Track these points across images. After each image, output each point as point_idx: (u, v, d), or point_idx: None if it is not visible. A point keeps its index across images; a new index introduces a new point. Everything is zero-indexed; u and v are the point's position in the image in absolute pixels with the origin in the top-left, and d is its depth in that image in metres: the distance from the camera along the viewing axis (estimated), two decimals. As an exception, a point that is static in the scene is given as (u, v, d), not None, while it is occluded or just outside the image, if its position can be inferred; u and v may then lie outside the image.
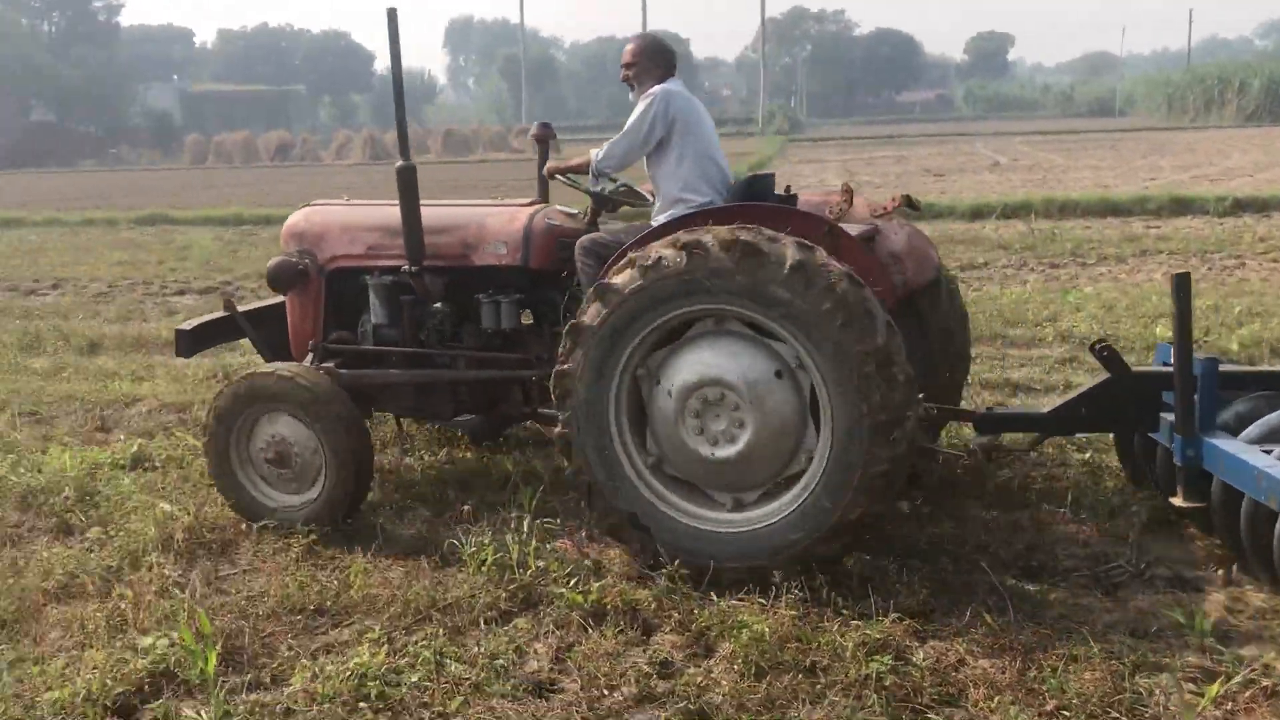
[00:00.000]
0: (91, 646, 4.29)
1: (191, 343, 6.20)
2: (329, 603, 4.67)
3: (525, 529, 5.07)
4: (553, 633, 4.36)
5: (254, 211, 22.65)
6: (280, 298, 6.23)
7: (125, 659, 4.14)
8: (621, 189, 5.69)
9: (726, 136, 65.35)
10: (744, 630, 4.15)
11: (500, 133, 60.57)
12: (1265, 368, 5.66)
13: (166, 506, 5.50)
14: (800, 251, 4.37)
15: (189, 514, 5.46)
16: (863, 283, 4.38)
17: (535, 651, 4.24)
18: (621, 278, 4.60)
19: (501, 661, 4.13)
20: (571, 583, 4.64)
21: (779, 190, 5.47)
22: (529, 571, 4.73)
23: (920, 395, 4.57)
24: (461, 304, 5.83)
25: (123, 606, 4.61)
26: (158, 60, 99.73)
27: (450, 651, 4.20)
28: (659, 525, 4.71)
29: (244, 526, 5.50)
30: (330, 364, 5.85)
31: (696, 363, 4.63)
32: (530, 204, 5.90)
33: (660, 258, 4.50)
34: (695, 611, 4.42)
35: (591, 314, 4.65)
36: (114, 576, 4.99)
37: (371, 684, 3.94)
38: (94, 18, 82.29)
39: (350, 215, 6.09)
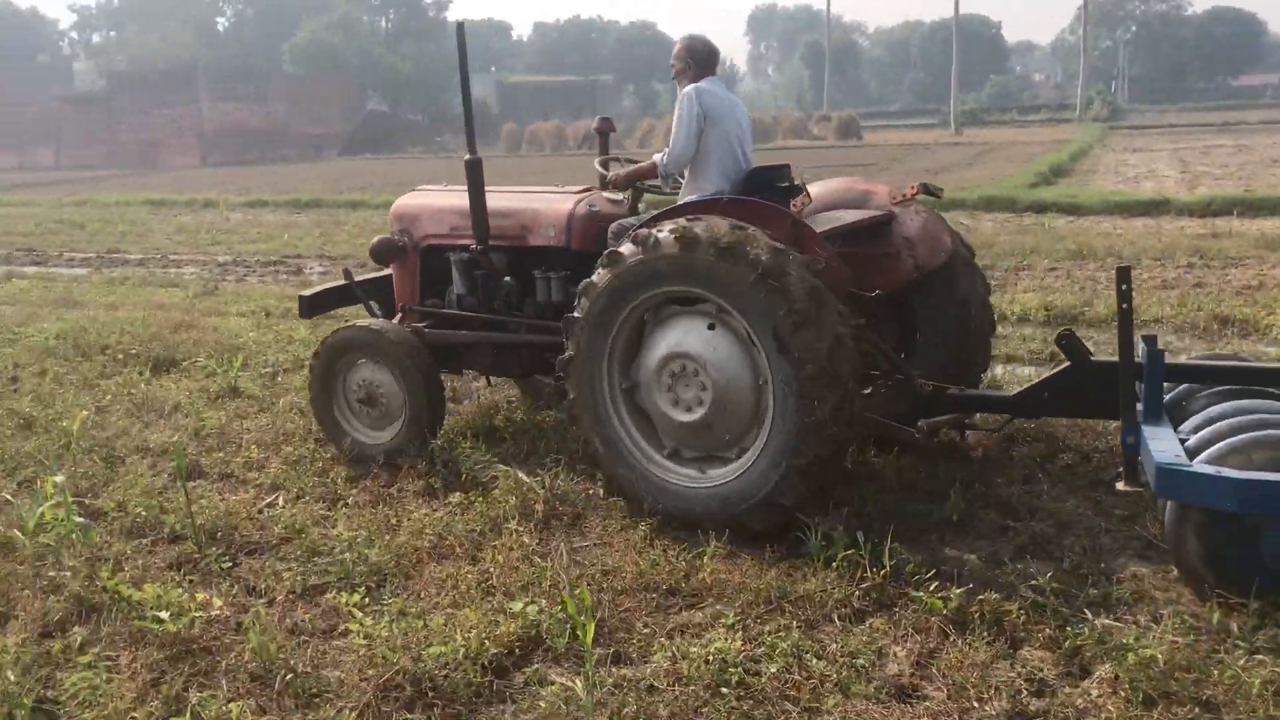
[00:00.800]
0: (466, 606, 4.54)
1: (310, 308, 7.33)
2: (680, 584, 4.74)
3: (873, 528, 4.95)
4: (911, 636, 4.22)
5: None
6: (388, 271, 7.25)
7: (497, 621, 4.36)
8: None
9: (1039, 125, 61.41)
10: (1129, 653, 3.85)
11: (800, 120, 60.34)
12: (1222, 362, 5.43)
13: (524, 477, 5.75)
14: (731, 234, 5.04)
15: (544, 486, 5.68)
16: (789, 256, 4.99)
17: (895, 655, 4.12)
18: (625, 248, 5.36)
19: (862, 661, 4.03)
20: (931, 586, 4.48)
21: (797, 182, 6.03)
22: (882, 571, 4.60)
23: (913, 369, 5.64)
24: (522, 279, 6.64)
25: (491, 570, 4.87)
26: (478, 52, 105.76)
27: (807, 645, 4.15)
28: (649, 485, 5.45)
29: (593, 502, 5.69)
30: (417, 324, 6.85)
31: (666, 340, 5.39)
32: (581, 191, 6.65)
33: (629, 245, 5.34)
34: (1068, 628, 4.16)
35: (599, 275, 5.44)
36: (480, 540, 5.28)
37: (732, 670, 3.96)
38: (424, 13, 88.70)
39: (440, 200, 7.05)
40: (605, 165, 6.64)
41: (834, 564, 4.70)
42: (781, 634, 4.23)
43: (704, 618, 4.47)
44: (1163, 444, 4.49)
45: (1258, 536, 4.18)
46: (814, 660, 4.05)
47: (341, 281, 7.21)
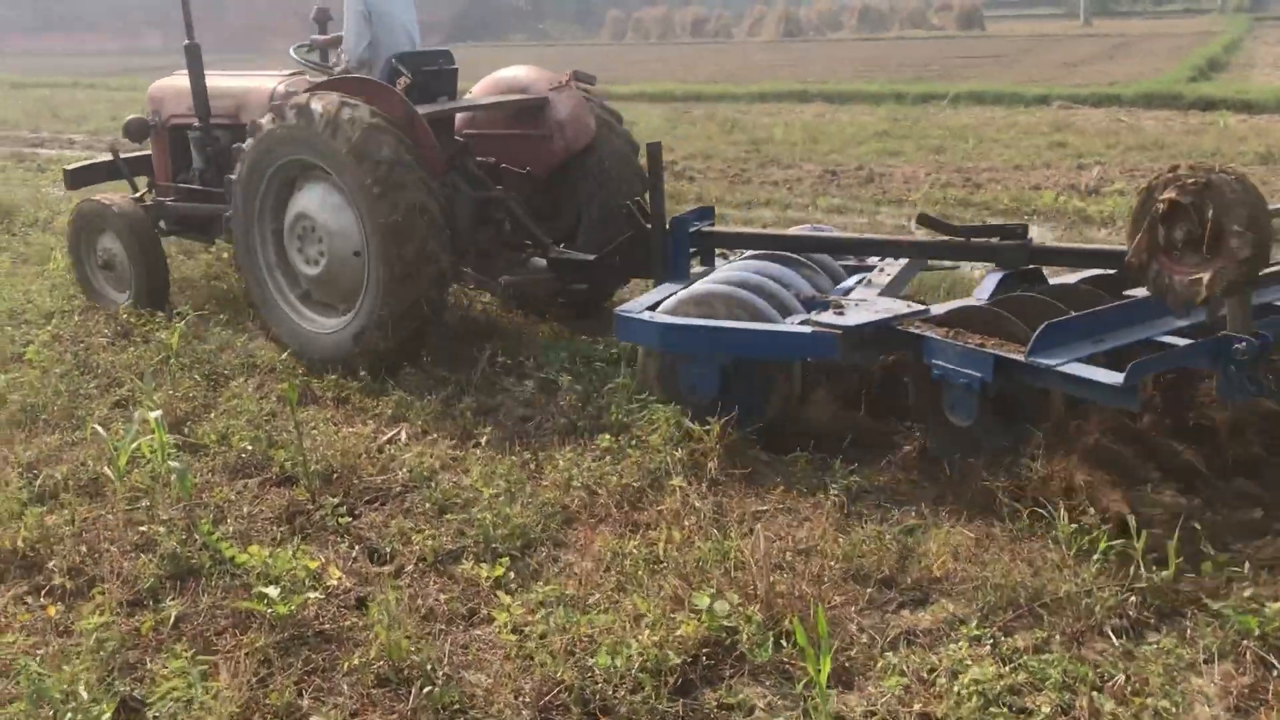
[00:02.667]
0: (633, 592, 3.70)
1: (74, 180, 8.05)
2: (895, 573, 3.82)
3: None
4: (1216, 662, 3.25)
5: (684, 88, 22.30)
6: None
7: (675, 618, 3.50)
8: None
9: (1175, 16, 57.25)
10: None
11: (918, 9, 57.11)
12: (757, 230, 6.90)
13: (687, 423, 4.83)
14: (337, 109, 5.74)
15: (711, 437, 4.75)
16: (380, 131, 5.68)
17: (1201, 691, 3.15)
18: (264, 119, 6.18)
19: (1163, 703, 3.08)
20: (1241, 594, 3.48)
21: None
22: (1164, 571, 3.61)
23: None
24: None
25: (659, 542, 4.00)
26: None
27: (1082, 673, 3.20)
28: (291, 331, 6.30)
29: (761, 457, 4.78)
30: (163, 197, 7.57)
31: (298, 202, 6.14)
32: (291, 74, 7.13)
33: (268, 116, 6.15)
34: None
35: (248, 143, 6.27)
36: (637, 498, 4.42)
37: (996, 712, 3.04)
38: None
39: (181, 82, 7.41)
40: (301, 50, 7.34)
41: (1095, 558, 3.72)
42: (1044, 654, 3.30)
43: (935, 623, 3.55)
44: (645, 297, 5.54)
45: (675, 371, 5.17)
46: (1096, 696, 3.11)
47: (109, 157, 7.86)
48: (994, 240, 5.43)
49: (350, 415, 5.57)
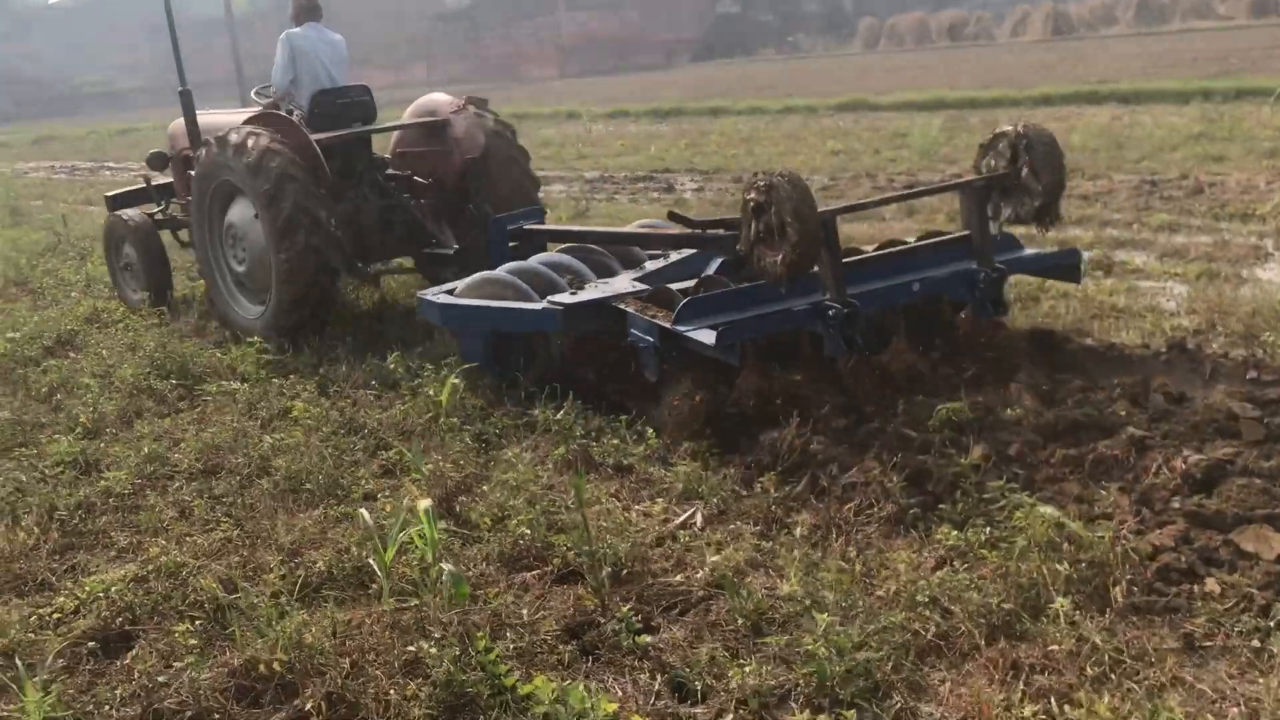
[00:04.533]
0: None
1: (113, 204, 9.43)
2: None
3: None
4: None
5: (957, 94, 20.82)
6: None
7: None
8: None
9: None
10: None
11: (1203, -2, 52.43)
12: (560, 227, 8.30)
13: (1072, 525, 3.78)
14: (241, 137, 7.22)
15: (1089, 530, 3.69)
16: (279, 152, 7.08)
17: None
18: (203, 151, 7.73)
19: None
20: None
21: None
22: None
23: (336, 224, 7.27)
24: None
25: (1054, 704, 2.99)
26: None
27: None
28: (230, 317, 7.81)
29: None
30: (159, 213, 9.27)
31: (230, 214, 7.68)
32: (260, 111, 8.11)
33: (205, 148, 7.66)
34: None
35: (195, 170, 7.86)
36: (1011, 621, 3.41)
37: None
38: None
39: (180, 123, 8.71)
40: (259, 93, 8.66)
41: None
42: None
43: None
44: (450, 284, 6.57)
45: (470, 342, 6.25)
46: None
47: (142, 185, 9.52)
48: (721, 232, 5.90)
49: (634, 488, 4.83)
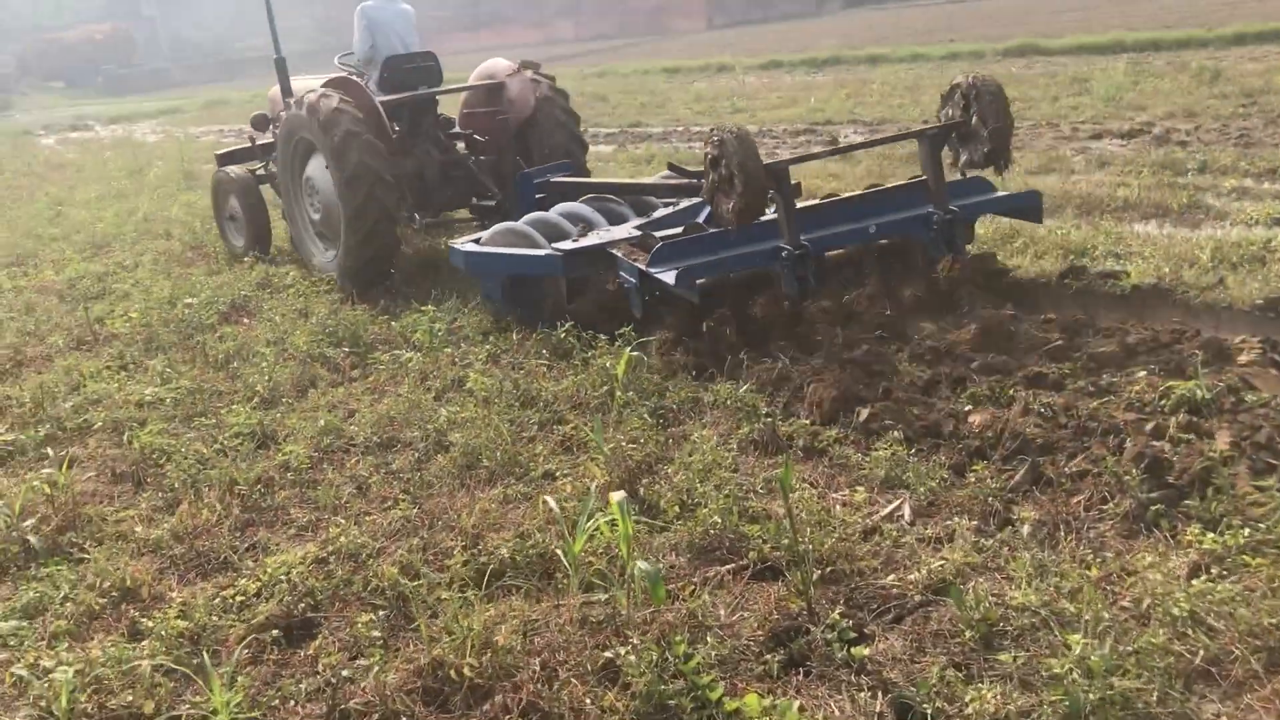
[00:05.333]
0: None
1: (222, 160, 10.35)
2: None
3: None
4: None
5: (1136, 36, 19.44)
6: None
7: None
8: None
9: None
10: None
11: None
12: (581, 180, 8.07)
13: None
14: (315, 99, 7.92)
15: None
16: (347, 111, 7.78)
17: None
18: (286, 111, 8.79)
19: None
20: None
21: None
22: None
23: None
24: None
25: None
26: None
27: None
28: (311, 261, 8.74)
29: None
30: (261, 170, 9.97)
31: (307, 168, 8.52)
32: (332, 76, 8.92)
33: (289, 109, 8.62)
34: None
35: (280, 129, 8.88)
36: (1299, 659, 2.96)
37: None
38: None
39: (278, 89, 9.65)
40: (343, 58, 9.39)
41: None
42: None
43: None
44: (479, 234, 7.38)
45: (490, 284, 6.93)
46: None
47: (248, 145, 10.19)
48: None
49: (831, 474, 4.47)
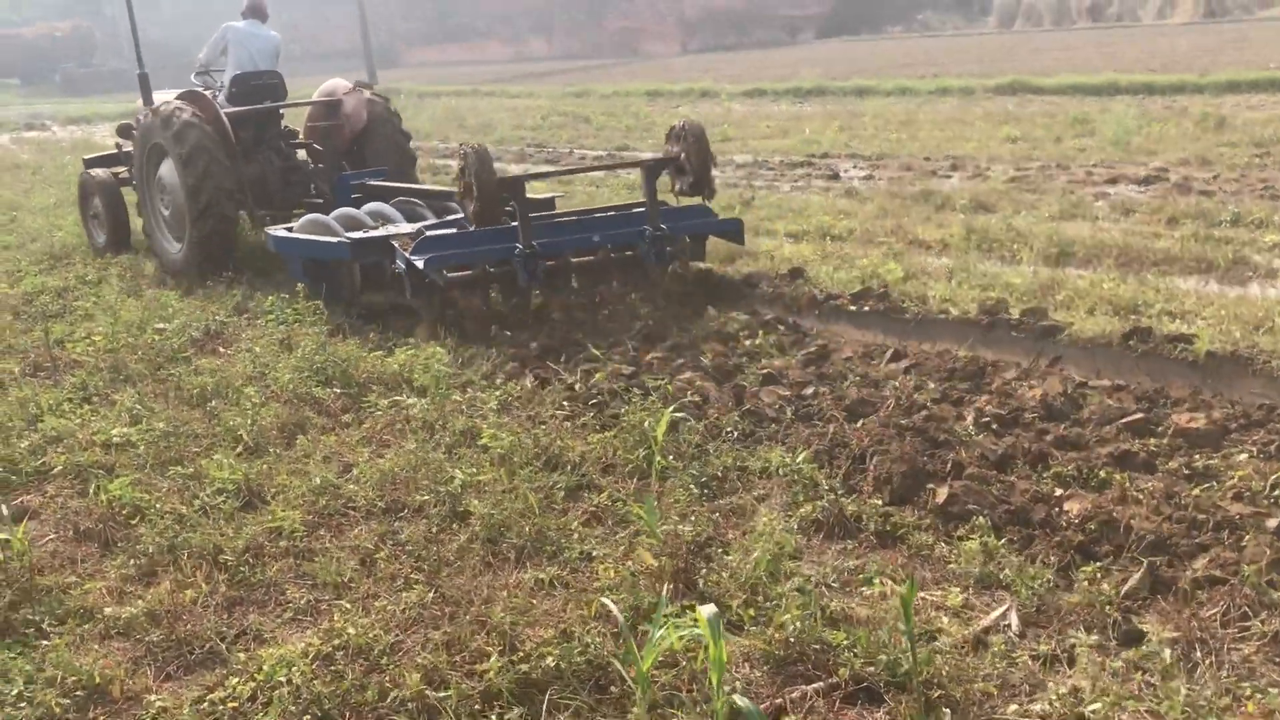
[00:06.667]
0: None
1: (89, 164, 11.42)
2: None
3: None
4: None
5: (1130, 78, 19.26)
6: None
7: None
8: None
9: None
10: None
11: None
12: (386, 184, 9.43)
13: None
14: (171, 109, 9.12)
15: None
16: (187, 122, 8.95)
17: None
18: (139, 118, 9.94)
19: None
20: None
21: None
22: None
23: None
24: None
25: None
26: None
27: None
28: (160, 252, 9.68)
29: None
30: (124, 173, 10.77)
31: (159, 170, 9.52)
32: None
33: (142, 116, 9.81)
34: None
35: (136, 134, 9.94)
36: None
37: None
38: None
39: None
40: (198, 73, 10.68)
41: None
42: None
43: None
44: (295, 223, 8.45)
45: (293, 265, 8.11)
46: None
47: (114, 150, 11.33)
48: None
49: (913, 566, 3.93)
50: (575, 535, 4.26)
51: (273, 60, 10.31)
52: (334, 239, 7.74)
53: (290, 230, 8.18)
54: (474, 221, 7.14)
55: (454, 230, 7.47)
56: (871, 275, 7.51)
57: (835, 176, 12.74)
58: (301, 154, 10.51)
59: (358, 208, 8.59)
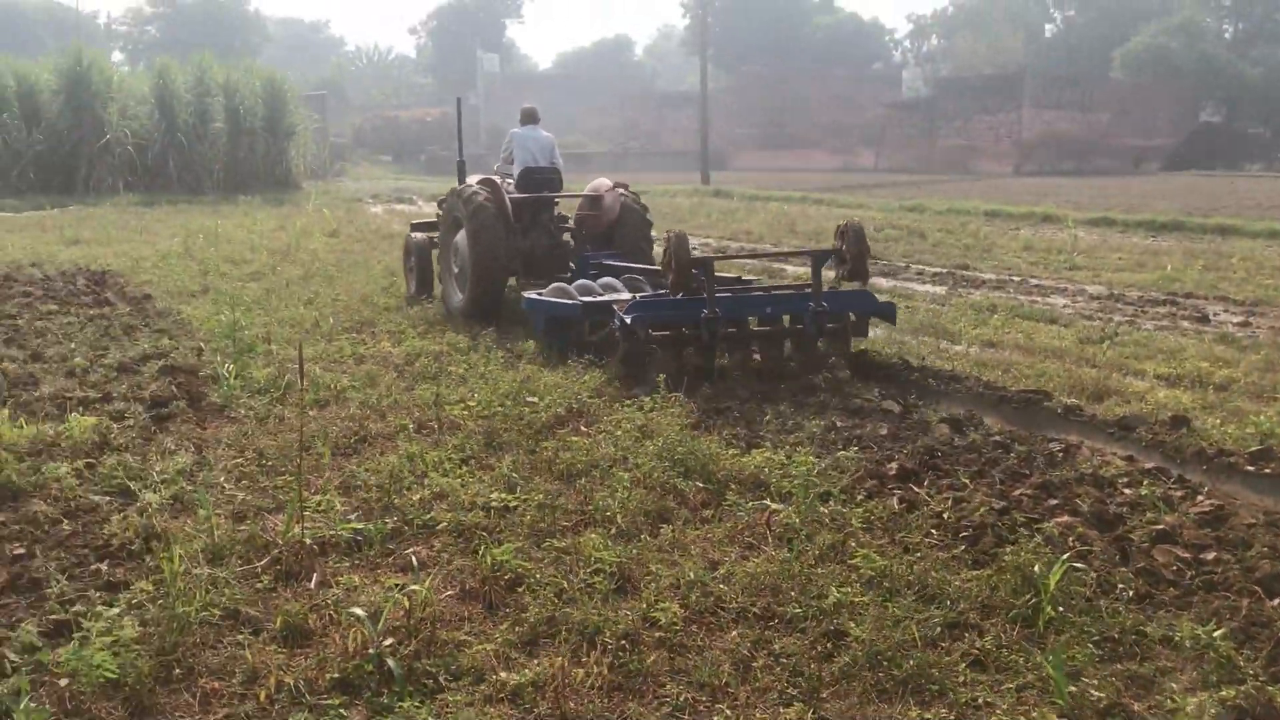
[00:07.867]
0: None
1: (415, 228, 14.04)
2: None
3: None
4: None
5: None
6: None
7: None
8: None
9: None
10: None
11: None
12: (614, 262, 11.52)
13: None
14: (469, 191, 11.51)
15: None
16: (482, 203, 11.26)
17: None
18: (446, 201, 12.27)
19: None
20: None
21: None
22: None
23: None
24: None
25: None
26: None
27: None
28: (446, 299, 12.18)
29: None
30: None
31: (456, 238, 11.85)
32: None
33: (449, 199, 12.19)
34: None
35: (442, 210, 12.46)
36: None
37: None
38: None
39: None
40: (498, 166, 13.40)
41: None
42: None
43: None
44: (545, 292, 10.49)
45: (538, 320, 10.01)
46: None
47: (433, 219, 13.20)
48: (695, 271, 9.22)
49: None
50: (960, 678, 4.05)
51: (549, 155, 12.72)
52: (570, 301, 9.80)
53: (539, 294, 10.18)
54: (672, 290, 8.90)
55: (659, 297, 9.25)
56: (1270, 434, 6.85)
57: (1205, 319, 11.85)
58: (566, 235, 12.66)
59: (594, 280, 10.61)
